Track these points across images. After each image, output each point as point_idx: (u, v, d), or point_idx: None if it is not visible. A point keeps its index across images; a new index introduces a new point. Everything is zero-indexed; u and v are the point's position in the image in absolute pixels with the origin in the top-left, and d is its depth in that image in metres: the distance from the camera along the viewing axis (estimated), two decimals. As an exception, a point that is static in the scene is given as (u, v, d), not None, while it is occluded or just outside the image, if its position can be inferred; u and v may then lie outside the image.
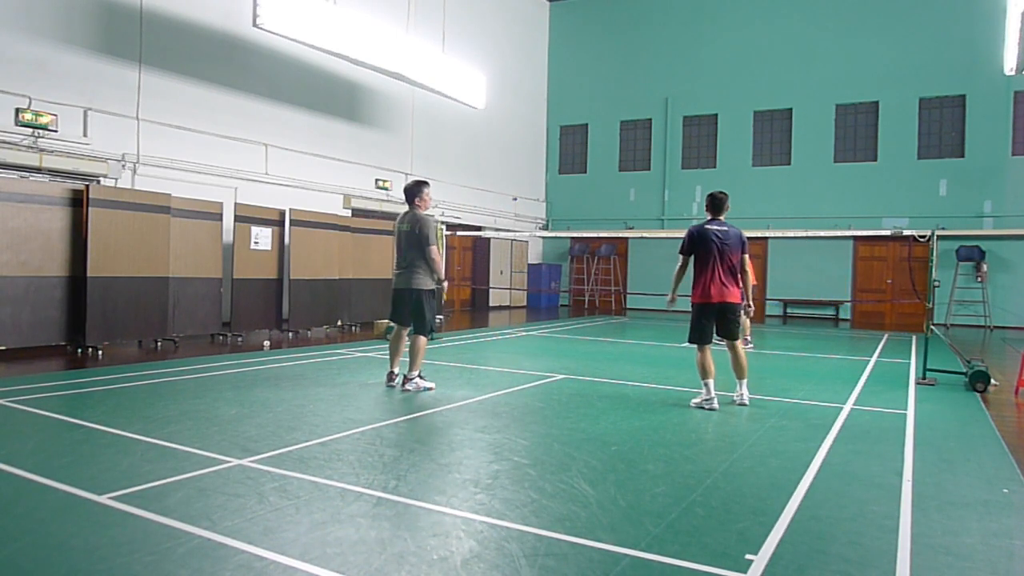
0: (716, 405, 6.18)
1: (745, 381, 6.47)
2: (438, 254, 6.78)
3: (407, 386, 6.81)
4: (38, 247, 8.68)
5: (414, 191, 6.90)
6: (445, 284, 7.04)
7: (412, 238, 6.78)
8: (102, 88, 10.75)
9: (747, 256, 6.39)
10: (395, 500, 3.62)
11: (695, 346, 6.38)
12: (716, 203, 6.39)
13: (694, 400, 6.38)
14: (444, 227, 16.49)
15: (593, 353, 10.39)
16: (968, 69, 17.92)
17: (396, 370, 7.06)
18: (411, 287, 6.81)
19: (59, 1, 10.26)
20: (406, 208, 6.94)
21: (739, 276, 6.35)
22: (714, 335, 6.38)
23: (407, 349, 7.03)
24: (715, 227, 6.31)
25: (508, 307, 21.35)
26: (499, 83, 19.63)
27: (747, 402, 6.37)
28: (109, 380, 7.05)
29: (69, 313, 9.00)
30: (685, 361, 9.73)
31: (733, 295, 6.29)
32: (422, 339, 6.86)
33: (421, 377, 6.87)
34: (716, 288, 6.25)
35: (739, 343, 6.45)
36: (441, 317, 14.25)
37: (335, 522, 3.30)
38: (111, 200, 9.31)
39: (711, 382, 6.23)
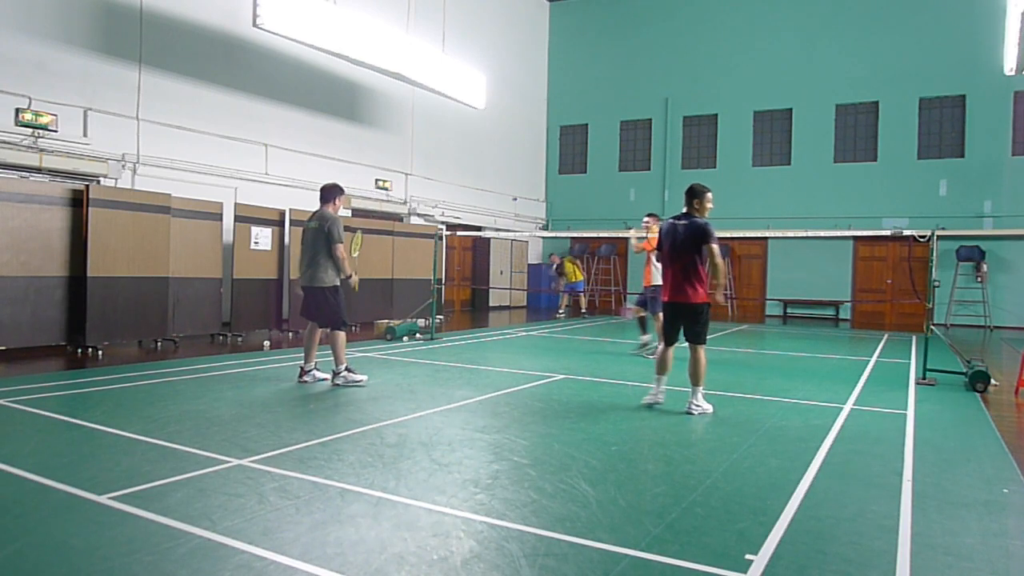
0: (660, 399, 6.19)
1: (699, 389, 5.98)
2: (343, 252, 6.87)
3: (335, 380, 6.93)
4: (38, 247, 8.68)
5: (329, 194, 7.09)
6: (354, 278, 7.05)
7: (319, 236, 6.89)
8: (102, 88, 10.75)
9: (714, 246, 5.84)
10: (395, 500, 3.62)
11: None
12: (685, 195, 6.16)
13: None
14: (444, 227, 16.52)
15: (593, 353, 10.39)
16: (968, 69, 17.92)
17: (308, 366, 7.10)
18: (313, 284, 6.93)
19: (59, 1, 10.26)
20: (318, 207, 7.11)
21: (697, 273, 5.91)
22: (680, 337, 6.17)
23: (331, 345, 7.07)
24: (678, 221, 6.07)
25: (508, 307, 21.35)
26: (499, 83, 19.63)
27: (695, 412, 5.89)
28: (109, 380, 7.05)
29: (69, 313, 9.00)
30: (685, 361, 9.73)
31: (687, 295, 5.94)
32: (338, 334, 6.92)
33: (349, 370, 6.96)
34: (667, 287, 6.11)
35: (700, 348, 6.01)
36: (441, 317, 14.26)
37: (335, 522, 3.30)
38: (111, 200, 9.31)
39: (662, 378, 6.22)
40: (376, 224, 14.27)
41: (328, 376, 7.07)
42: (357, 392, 6.67)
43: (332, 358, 6.99)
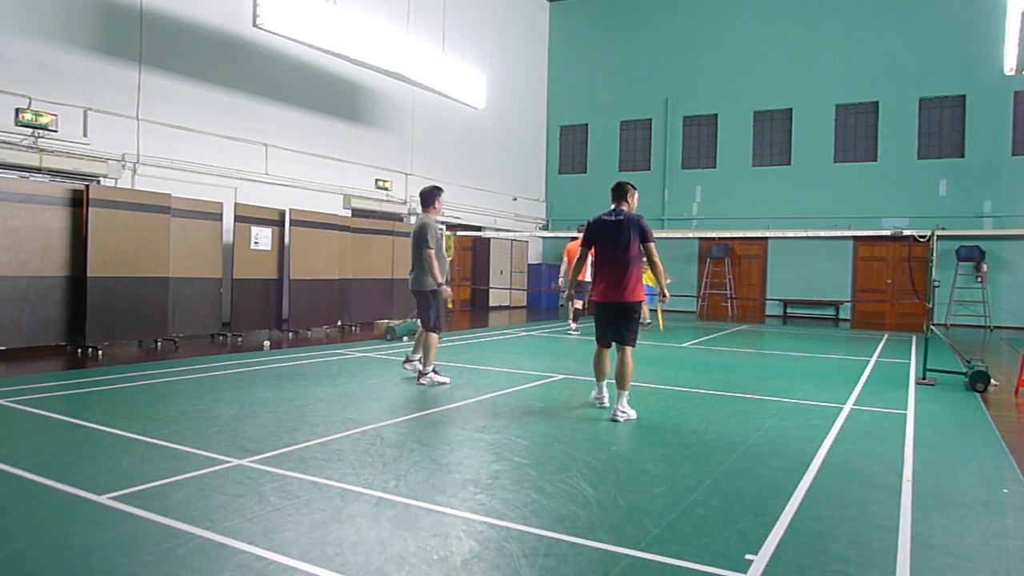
0: (606, 403, 6.04)
1: (625, 393, 5.69)
2: (433, 257, 6.94)
3: (421, 380, 7.13)
4: (38, 247, 8.68)
5: (428, 198, 7.24)
6: (445, 290, 7.07)
7: (415, 240, 7.08)
8: (102, 88, 10.75)
9: (651, 244, 5.72)
10: (395, 500, 3.62)
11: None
12: (614, 191, 5.98)
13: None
14: (444, 227, 16.51)
15: (592, 353, 10.38)
16: (968, 69, 17.92)
17: (414, 356, 7.53)
18: (414, 288, 7.19)
19: (59, 1, 10.25)
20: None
21: (634, 270, 5.71)
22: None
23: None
24: (609, 216, 5.85)
25: (508, 307, 21.34)
26: (499, 83, 19.62)
27: (620, 419, 5.57)
28: (109, 380, 7.05)
29: (69, 313, 9.00)
30: (685, 361, 9.75)
31: (623, 294, 5.69)
32: (431, 336, 7.13)
33: (435, 372, 7.18)
34: (601, 286, 5.81)
35: (628, 349, 5.78)
36: (441, 317, 14.24)
37: (335, 522, 3.30)
38: (111, 200, 9.31)
39: (603, 384, 6.14)
40: (376, 224, 14.27)
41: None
42: (357, 392, 6.68)
43: (422, 357, 7.24)
